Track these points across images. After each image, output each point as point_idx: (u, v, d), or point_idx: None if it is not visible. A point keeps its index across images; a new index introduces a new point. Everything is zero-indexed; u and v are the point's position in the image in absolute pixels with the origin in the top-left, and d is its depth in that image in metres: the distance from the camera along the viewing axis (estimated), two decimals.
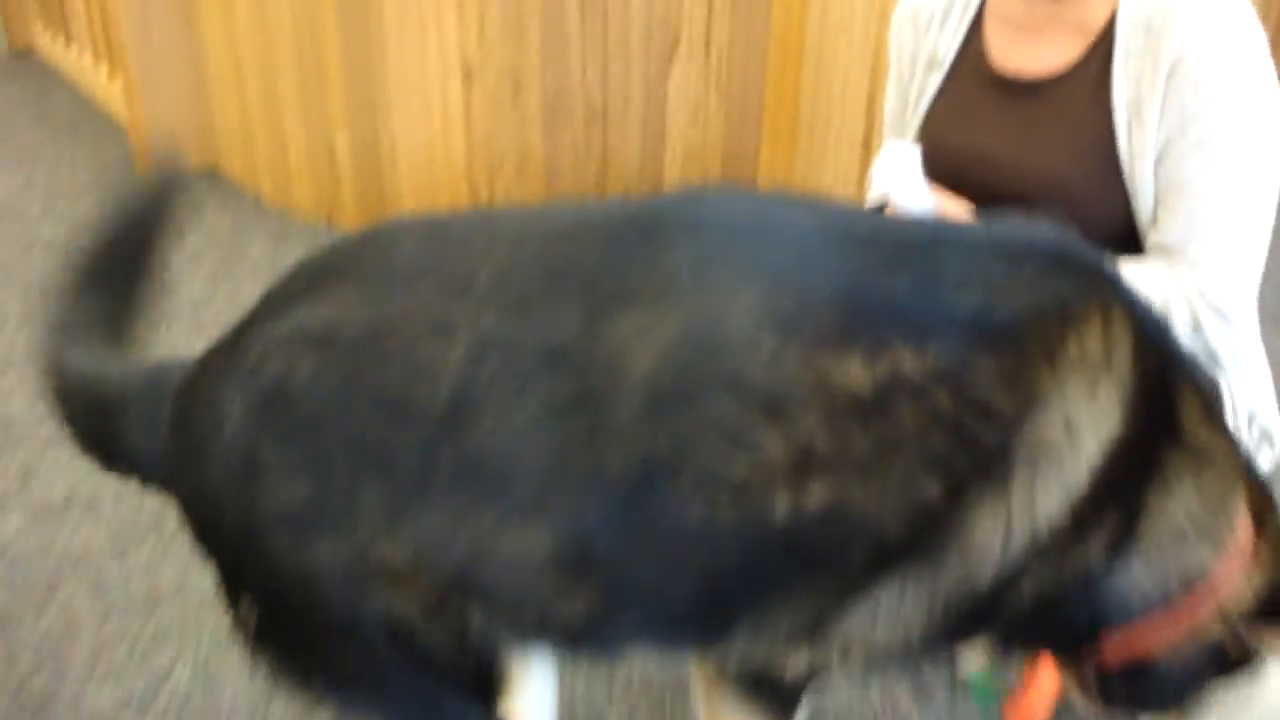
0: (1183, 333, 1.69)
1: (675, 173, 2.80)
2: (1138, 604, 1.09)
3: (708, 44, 2.65)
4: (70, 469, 2.08)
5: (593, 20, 2.62)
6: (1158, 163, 1.69)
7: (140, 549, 1.89)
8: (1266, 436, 1.93)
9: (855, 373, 0.98)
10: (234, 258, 2.86)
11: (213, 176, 3.32)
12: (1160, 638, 1.11)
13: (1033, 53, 1.77)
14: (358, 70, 2.73)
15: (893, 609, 1.02)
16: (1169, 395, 1.09)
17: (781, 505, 0.96)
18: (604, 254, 1.01)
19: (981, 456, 0.98)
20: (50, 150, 3.60)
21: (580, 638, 1.05)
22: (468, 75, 2.65)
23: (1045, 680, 1.48)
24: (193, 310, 2.62)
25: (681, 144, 2.75)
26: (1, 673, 1.64)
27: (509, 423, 0.96)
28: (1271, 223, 1.72)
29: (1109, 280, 1.13)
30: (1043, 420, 1.01)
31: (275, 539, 0.99)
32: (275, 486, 0.98)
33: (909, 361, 0.98)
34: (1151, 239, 1.73)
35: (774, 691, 1.16)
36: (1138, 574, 1.08)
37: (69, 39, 4.10)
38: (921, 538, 0.99)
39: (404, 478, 0.97)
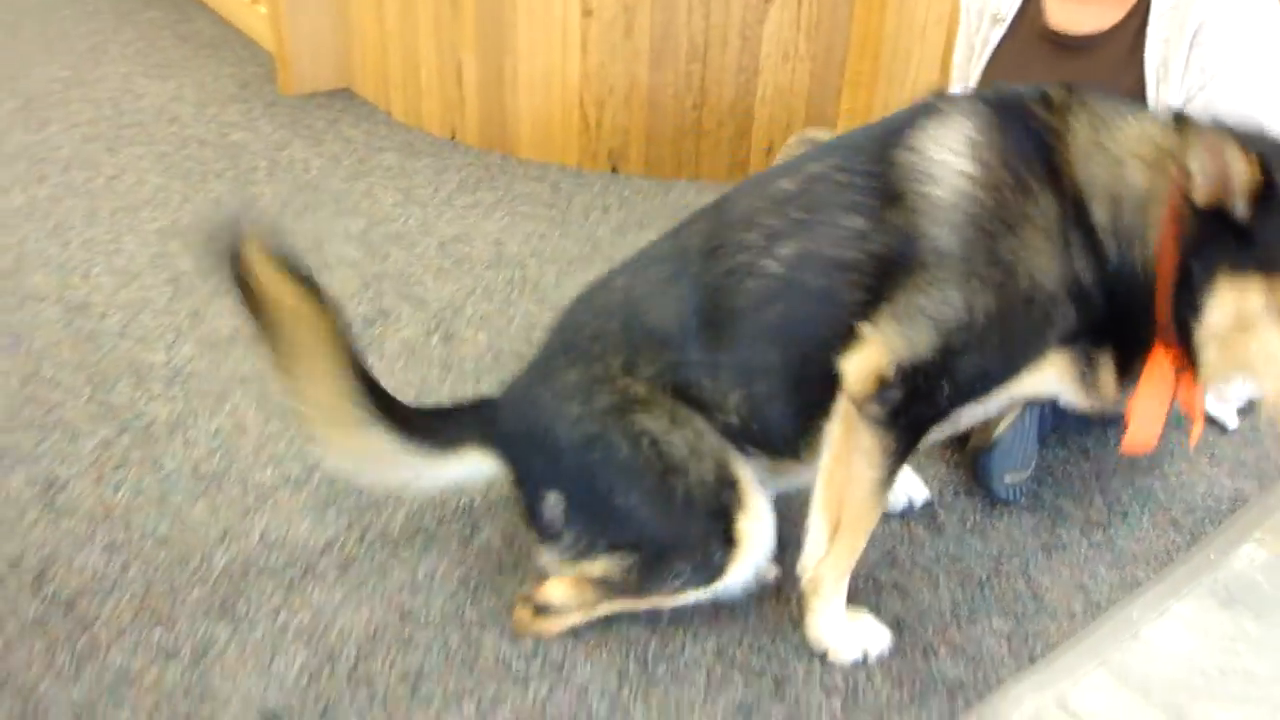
0: None
1: (765, 110, 3.08)
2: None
3: None
4: (233, 313, 2.41)
5: None
6: None
7: None
8: None
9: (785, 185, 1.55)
10: (369, 162, 3.19)
11: (348, 94, 3.67)
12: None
13: (1080, 15, 2.05)
14: (489, 2, 3.06)
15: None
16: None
17: (772, 265, 1.50)
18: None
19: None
20: (195, 64, 3.93)
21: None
22: (587, 12, 2.97)
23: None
24: (334, 201, 2.96)
25: (772, 84, 3.04)
26: (181, 455, 1.98)
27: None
28: None
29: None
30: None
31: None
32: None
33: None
34: None
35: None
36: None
37: None
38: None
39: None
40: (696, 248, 1.59)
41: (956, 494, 1.95)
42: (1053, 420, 2.06)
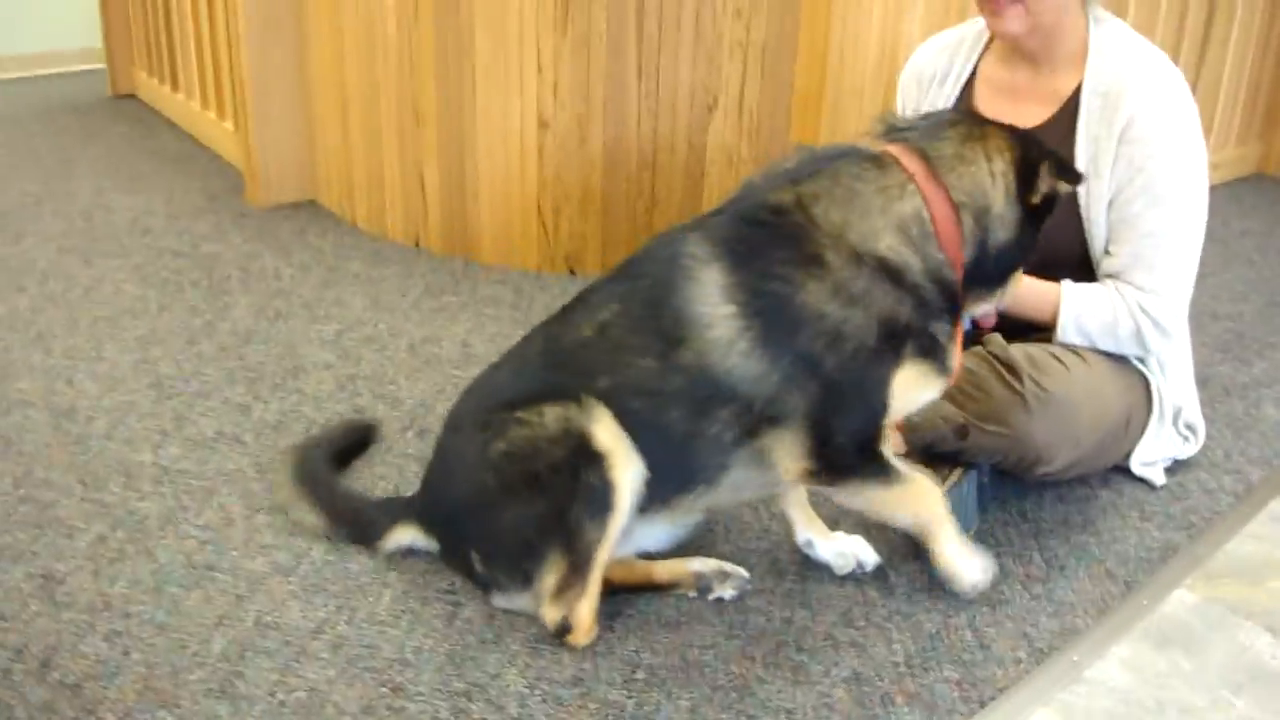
0: (1127, 341, 2.15)
1: None
2: None
3: (741, 103, 3.13)
4: (217, 414, 2.54)
5: (647, 82, 3.12)
6: (1110, 205, 2.16)
7: (278, 471, 2.34)
8: (1191, 429, 2.38)
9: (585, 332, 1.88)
10: (337, 270, 3.34)
11: (314, 206, 3.83)
12: None
13: (1012, 112, 2.23)
14: (450, 116, 3.25)
15: None
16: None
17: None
18: None
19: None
20: (164, 178, 4.09)
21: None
22: (543, 124, 3.17)
23: None
24: (306, 308, 3.09)
25: (718, 186, 3.23)
26: (174, 547, 2.07)
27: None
28: (1198, 254, 2.18)
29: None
30: None
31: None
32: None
33: None
34: (1104, 266, 2.19)
35: None
36: None
37: (175, 86, 4.64)
38: None
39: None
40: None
41: (905, 558, 2.09)
42: (992, 489, 2.22)
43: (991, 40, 2.30)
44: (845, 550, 2.02)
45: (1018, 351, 2.06)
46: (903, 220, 1.74)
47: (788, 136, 3.16)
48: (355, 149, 3.55)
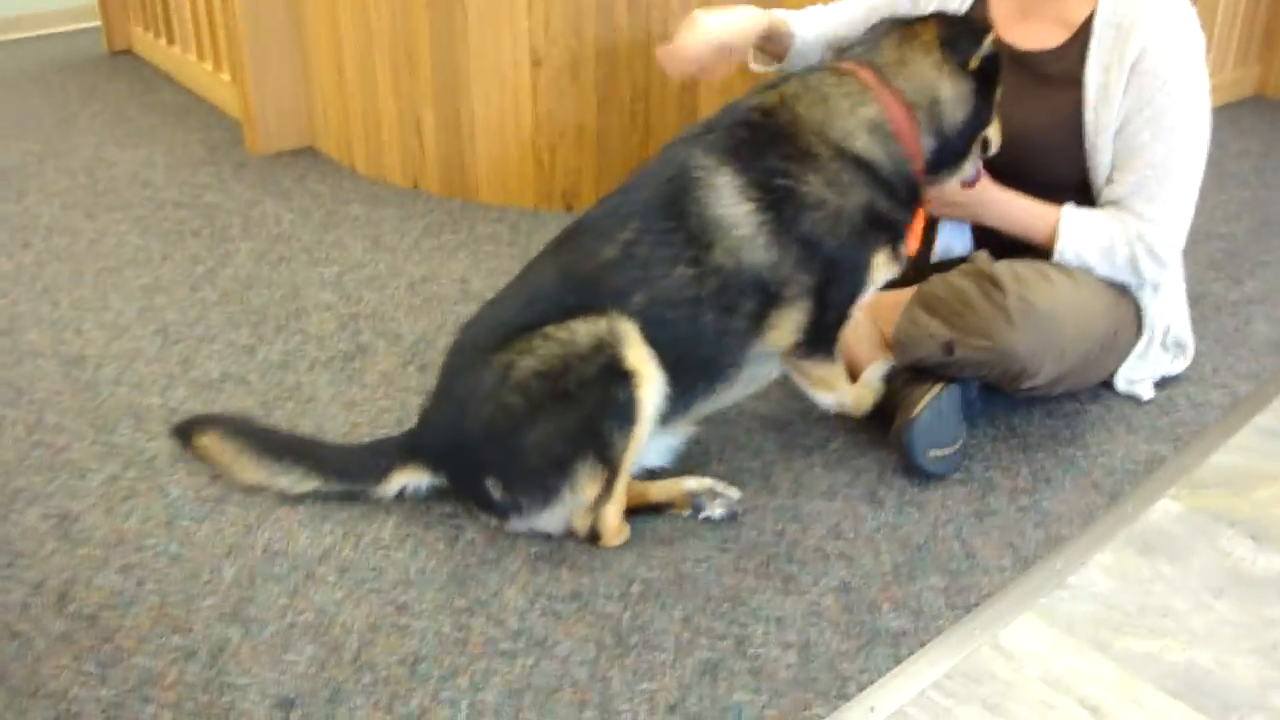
0: (1123, 268, 2.18)
1: None
2: None
3: None
4: (222, 356, 2.59)
5: (637, 16, 3.13)
6: (1117, 134, 2.18)
7: (284, 407, 2.36)
8: (1179, 345, 2.42)
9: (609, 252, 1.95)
10: (337, 214, 3.38)
11: (312, 152, 3.87)
12: None
13: (1025, 32, 2.25)
14: (443, 57, 3.27)
15: None
16: None
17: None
18: None
19: None
20: (163, 132, 4.11)
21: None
22: (536, 62, 3.19)
23: None
24: (307, 251, 3.14)
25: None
26: (184, 483, 2.12)
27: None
28: (1198, 186, 2.20)
29: None
30: None
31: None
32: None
33: None
34: (1105, 194, 2.21)
35: None
36: None
37: (170, 40, 4.65)
38: None
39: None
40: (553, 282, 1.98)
41: (894, 473, 2.15)
42: (981, 404, 2.26)
43: None
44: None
45: (1003, 267, 2.10)
46: (869, 123, 1.93)
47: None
48: (351, 94, 3.57)
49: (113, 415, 2.36)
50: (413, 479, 2.03)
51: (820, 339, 2.00)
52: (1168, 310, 2.38)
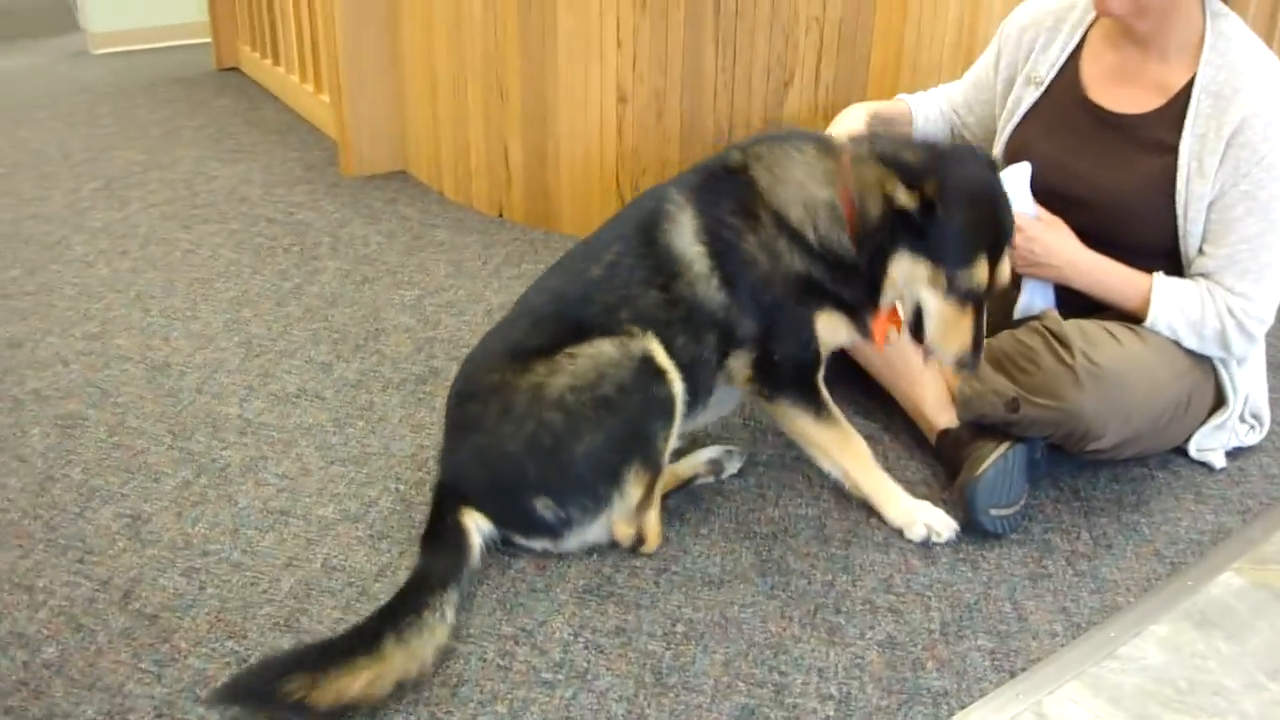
0: (1211, 340, 2.14)
1: None
2: None
3: (816, 79, 3.16)
4: (300, 371, 2.67)
5: (725, 58, 3.16)
6: (1211, 205, 2.14)
7: (355, 425, 2.43)
8: (1256, 417, 2.37)
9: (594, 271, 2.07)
10: (423, 238, 3.46)
11: (404, 176, 3.96)
12: None
13: (1119, 94, 2.23)
14: (533, 90, 3.33)
15: None
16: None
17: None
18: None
19: None
20: (263, 149, 4.25)
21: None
22: (622, 99, 3.24)
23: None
24: (390, 273, 3.21)
25: None
26: (252, 493, 2.21)
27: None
28: None
29: None
30: None
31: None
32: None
33: None
34: (1196, 265, 2.18)
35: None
36: None
37: (275, 60, 4.80)
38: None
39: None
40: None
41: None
42: (1046, 465, 2.23)
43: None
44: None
45: (1071, 326, 2.08)
46: (821, 202, 1.97)
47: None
48: (443, 122, 3.66)
49: (191, 423, 2.44)
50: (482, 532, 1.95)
51: (778, 382, 2.07)
52: (1248, 381, 2.33)
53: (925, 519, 2.09)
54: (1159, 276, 2.15)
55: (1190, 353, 2.20)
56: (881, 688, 1.76)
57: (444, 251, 3.36)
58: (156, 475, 2.25)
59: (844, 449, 2.13)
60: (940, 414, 2.26)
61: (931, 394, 2.28)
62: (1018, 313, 2.29)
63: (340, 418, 2.48)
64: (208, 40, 5.33)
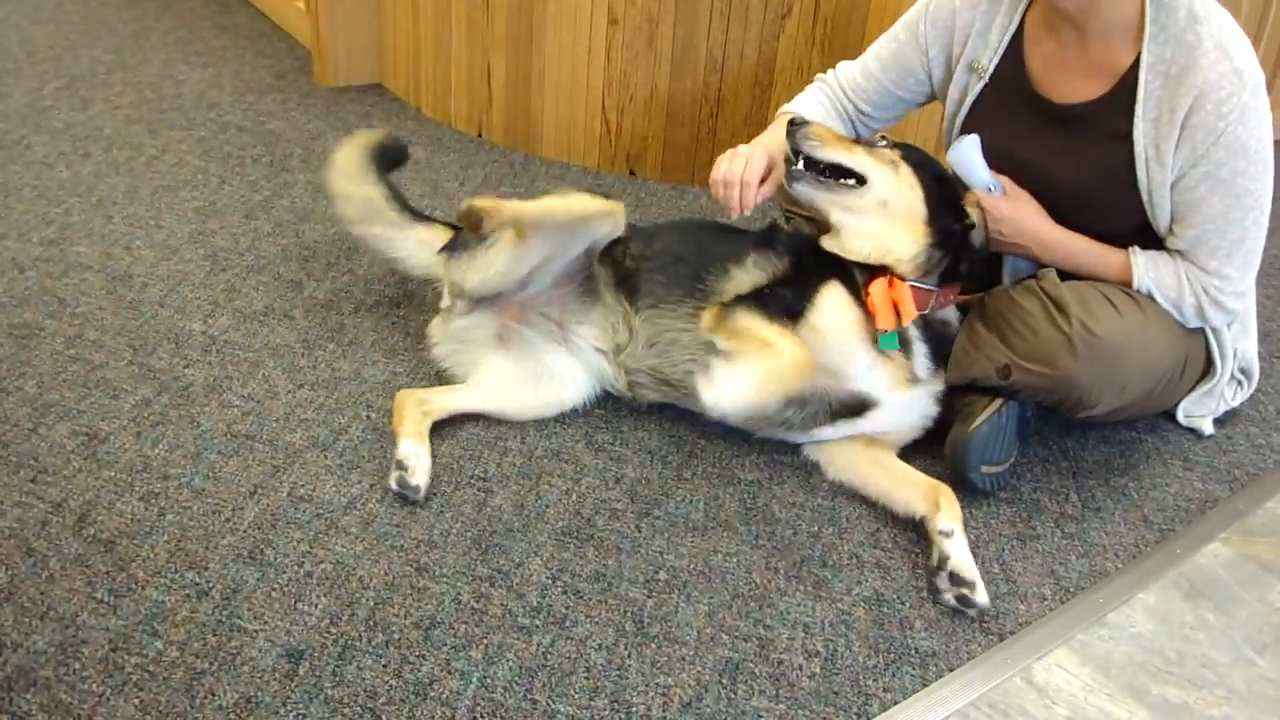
0: (1190, 314, 2.08)
1: None
2: None
3: (816, 11, 3.05)
4: (269, 288, 2.56)
5: None
6: (1173, 187, 2.06)
7: (325, 347, 2.33)
8: (1245, 373, 2.31)
9: None
10: None
11: (380, 89, 3.81)
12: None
13: (1064, 82, 2.13)
14: (520, 6, 3.19)
15: None
16: None
17: None
18: None
19: None
20: (234, 54, 4.08)
21: None
22: (613, 20, 3.11)
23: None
24: None
25: (785, 96, 3.14)
26: (216, 415, 2.11)
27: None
28: (1264, 234, 2.09)
29: None
30: None
31: None
32: None
33: None
34: (1169, 243, 2.10)
35: None
36: None
37: None
38: None
39: None
40: None
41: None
42: (1035, 422, 2.18)
43: None
44: (972, 568, 1.85)
45: (1070, 290, 2.01)
46: None
47: (861, 49, 3.06)
48: (424, 35, 3.51)
49: (153, 337, 2.33)
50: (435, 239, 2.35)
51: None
52: (1239, 338, 2.28)
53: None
54: (1135, 253, 2.08)
55: None
56: (869, 646, 1.71)
57: (420, 170, 3.24)
58: (115, 392, 2.14)
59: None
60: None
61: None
62: (1005, 279, 2.24)
63: (310, 339, 2.38)
64: None
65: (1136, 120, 2.03)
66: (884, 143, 2.13)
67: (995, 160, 2.12)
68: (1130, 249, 2.10)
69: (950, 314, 2.13)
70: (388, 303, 2.53)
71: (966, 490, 2.04)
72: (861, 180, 2.08)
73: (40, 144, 3.22)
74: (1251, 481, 2.21)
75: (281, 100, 3.67)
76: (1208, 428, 2.32)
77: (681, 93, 3.18)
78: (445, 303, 2.26)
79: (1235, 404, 2.37)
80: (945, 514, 1.88)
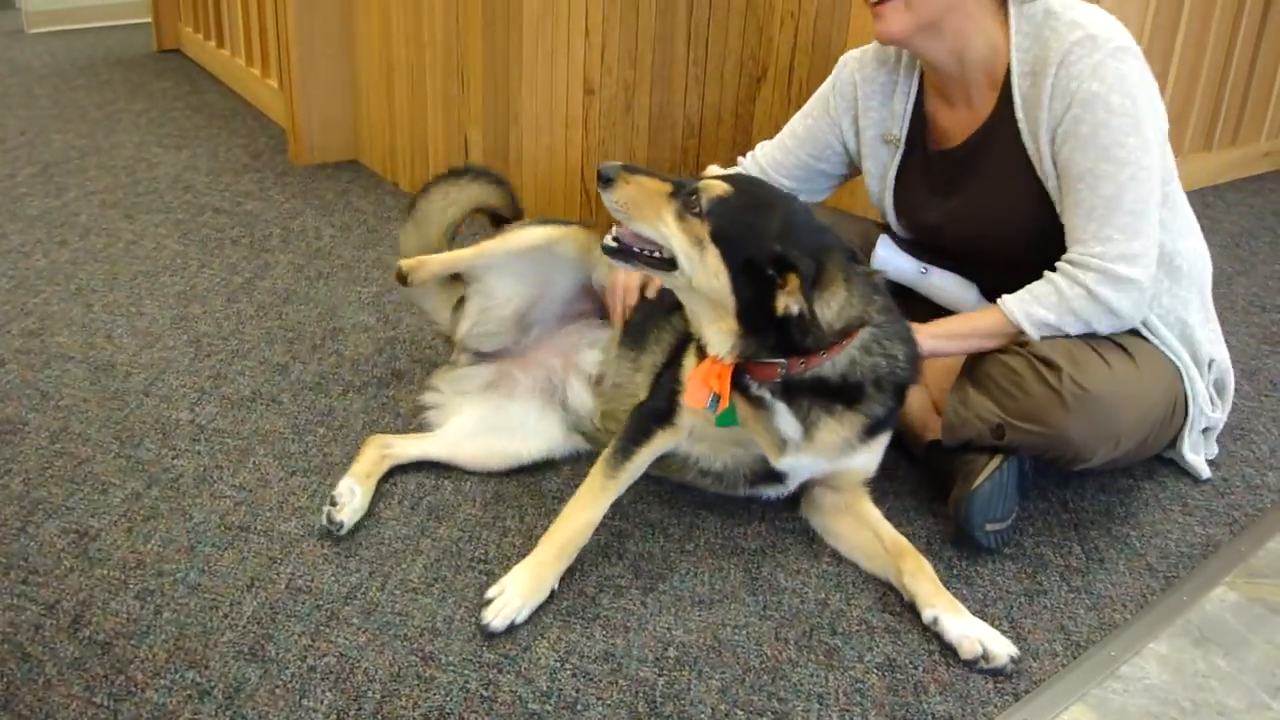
0: (1093, 313, 2.00)
1: None
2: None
3: (790, 74, 3.09)
4: (255, 373, 2.54)
5: (696, 50, 3.08)
6: (1058, 179, 2.05)
7: (315, 432, 2.31)
8: (1221, 385, 2.29)
9: None
10: (378, 231, 3.33)
11: (356, 166, 3.82)
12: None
13: (959, 114, 2.15)
14: (496, 79, 3.21)
15: None
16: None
17: None
18: None
19: None
20: (207, 135, 4.09)
21: None
22: (589, 91, 3.13)
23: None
24: (346, 269, 3.09)
25: None
26: (208, 506, 2.08)
27: None
28: (1154, 197, 2.00)
29: None
30: None
31: None
32: None
33: None
34: (1068, 244, 2.04)
35: None
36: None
37: (220, 42, 4.63)
38: None
39: None
40: None
41: (943, 543, 2.06)
42: (1033, 475, 2.17)
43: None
44: (974, 635, 1.81)
45: (1058, 348, 2.00)
46: None
47: None
48: (399, 110, 3.52)
49: (139, 428, 2.30)
50: None
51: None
52: (1211, 346, 2.25)
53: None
54: (1002, 299, 2.05)
55: (1173, 365, 2.15)
56: (885, 714, 1.69)
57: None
58: (104, 486, 2.11)
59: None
60: (929, 420, 2.20)
61: (917, 404, 2.21)
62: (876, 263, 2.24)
63: (299, 424, 2.35)
64: (148, 20, 5.15)
65: (1020, 124, 2.05)
66: (711, 184, 1.86)
67: (920, 232, 2.18)
68: (1000, 298, 2.07)
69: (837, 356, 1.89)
70: (376, 383, 2.52)
71: (971, 549, 2.03)
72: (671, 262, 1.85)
73: (15, 232, 3.20)
74: (1251, 523, 2.21)
75: (258, 180, 3.67)
76: (1204, 472, 2.32)
77: (660, 159, 3.20)
78: (454, 355, 2.34)
79: (1218, 423, 2.34)
80: (921, 598, 1.86)
